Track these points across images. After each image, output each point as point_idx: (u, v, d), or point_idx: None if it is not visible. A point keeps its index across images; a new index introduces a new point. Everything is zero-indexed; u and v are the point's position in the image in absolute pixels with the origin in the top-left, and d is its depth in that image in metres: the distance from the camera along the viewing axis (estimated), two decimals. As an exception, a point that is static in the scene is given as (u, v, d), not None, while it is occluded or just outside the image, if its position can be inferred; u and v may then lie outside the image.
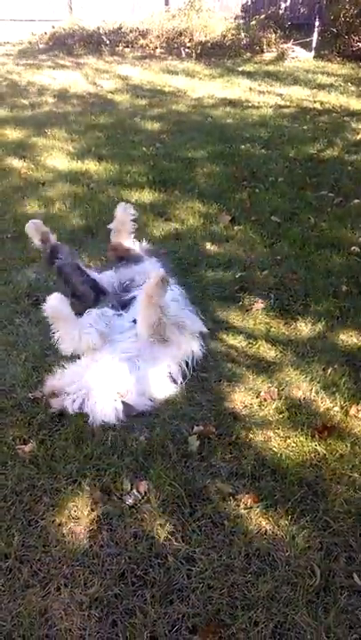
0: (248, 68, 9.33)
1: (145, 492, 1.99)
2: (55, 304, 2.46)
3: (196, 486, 2.02)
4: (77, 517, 1.92)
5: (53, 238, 2.95)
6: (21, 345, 2.75)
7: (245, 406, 2.41)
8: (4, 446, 2.19)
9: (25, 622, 1.62)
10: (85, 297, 2.78)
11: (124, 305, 2.69)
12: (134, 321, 2.54)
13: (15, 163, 5.12)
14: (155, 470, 2.07)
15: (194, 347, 2.60)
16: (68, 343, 2.48)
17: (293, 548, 1.82)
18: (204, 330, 2.72)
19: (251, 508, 1.95)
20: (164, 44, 10.48)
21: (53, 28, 11.24)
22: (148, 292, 2.40)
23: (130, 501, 1.97)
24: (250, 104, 7.17)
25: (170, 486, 2.01)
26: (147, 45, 10.53)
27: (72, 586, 1.72)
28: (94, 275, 2.93)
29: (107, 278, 2.93)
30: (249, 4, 11.69)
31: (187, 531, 1.87)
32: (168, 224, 4.00)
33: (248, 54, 10.09)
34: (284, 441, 2.23)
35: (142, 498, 1.98)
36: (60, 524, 1.90)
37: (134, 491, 2.00)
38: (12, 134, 5.89)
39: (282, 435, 2.26)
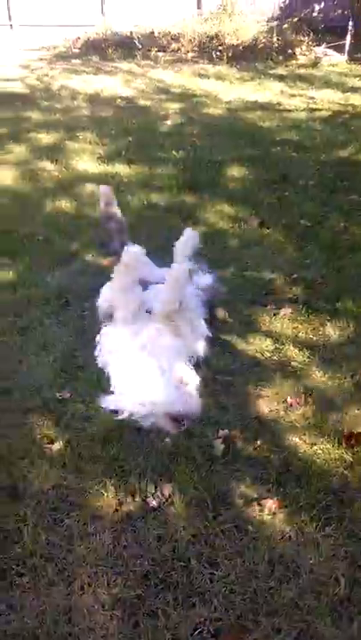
0: (280, 71, 9.28)
1: (169, 495, 2.00)
2: (137, 254, 2.54)
3: (221, 490, 2.02)
4: (102, 517, 1.94)
5: (117, 210, 3.09)
6: (50, 346, 2.78)
7: (271, 411, 2.40)
8: (33, 445, 2.22)
9: (48, 620, 1.64)
10: None
11: None
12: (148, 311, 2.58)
13: (47, 166, 5.19)
14: (179, 473, 2.07)
15: (198, 346, 2.61)
16: (122, 300, 2.52)
17: (318, 556, 1.80)
18: (208, 334, 2.72)
19: (275, 513, 1.94)
20: (196, 48, 10.49)
21: (86, 33, 11.36)
22: (174, 275, 2.47)
23: (154, 503, 1.97)
24: (281, 107, 7.13)
25: (194, 489, 2.01)
26: (179, 49, 10.56)
27: (95, 585, 1.73)
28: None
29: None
30: (282, 6, 11.63)
31: (210, 534, 1.87)
32: (197, 227, 4.00)
33: (280, 57, 10.03)
34: (311, 447, 2.21)
35: (166, 500, 1.99)
36: (84, 524, 1.92)
37: (158, 493, 2.01)
38: (45, 138, 5.98)
39: (308, 441, 2.24)
